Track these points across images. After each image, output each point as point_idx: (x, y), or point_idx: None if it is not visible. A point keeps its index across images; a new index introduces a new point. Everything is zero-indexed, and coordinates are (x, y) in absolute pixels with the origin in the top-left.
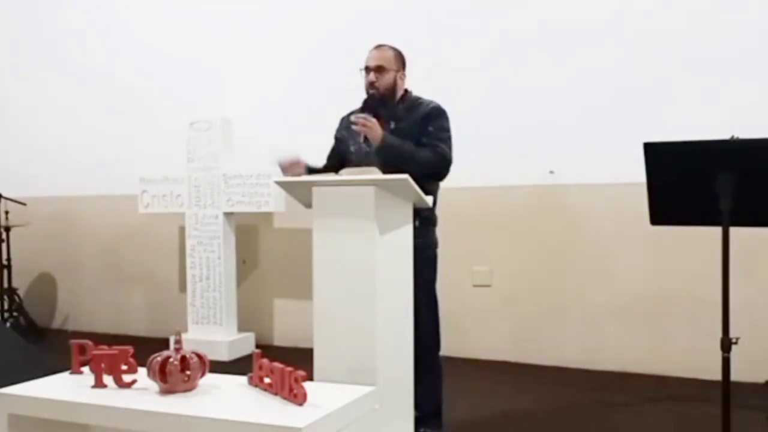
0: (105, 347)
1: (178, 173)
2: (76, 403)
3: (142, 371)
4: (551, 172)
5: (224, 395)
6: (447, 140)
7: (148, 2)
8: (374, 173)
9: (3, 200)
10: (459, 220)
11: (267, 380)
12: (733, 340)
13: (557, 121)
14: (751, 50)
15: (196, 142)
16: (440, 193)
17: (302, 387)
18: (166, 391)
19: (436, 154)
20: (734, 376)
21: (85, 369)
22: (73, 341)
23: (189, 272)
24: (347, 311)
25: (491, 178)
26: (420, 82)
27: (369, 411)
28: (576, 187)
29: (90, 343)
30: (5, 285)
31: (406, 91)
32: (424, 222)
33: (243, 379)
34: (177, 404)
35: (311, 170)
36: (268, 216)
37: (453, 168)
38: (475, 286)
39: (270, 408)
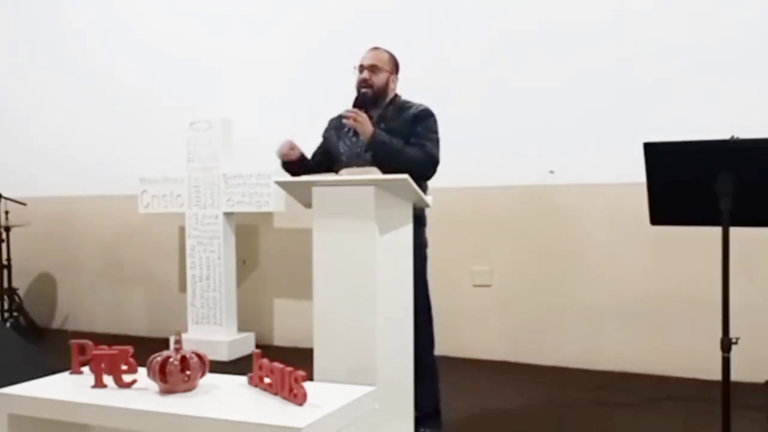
0: (105, 347)
1: (178, 173)
2: (76, 403)
3: (142, 371)
4: (551, 172)
5: (224, 395)
6: (434, 141)
7: (148, 2)
8: (374, 173)
9: (3, 200)
10: (459, 220)
11: (267, 380)
12: (733, 340)
13: (557, 121)
14: (751, 50)
15: (196, 142)
16: (441, 193)
17: (302, 387)
18: (166, 391)
19: (424, 153)
20: (734, 376)
21: (85, 369)
22: (73, 341)
23: (189, 272)
24: (347, 311)
25: (491, 178)
26: (420, 82)
27: (369, 411)
28: (576, 187)
29: (90, 343)
30: (5, 285)
31: (395, 94)
32: (414, 222)
33: (243, 379)
34: (177, 404)
35: (304, 158)
36: (268, 216)
37: (453, 168)
38: (475, 286)
39: (270, 408)
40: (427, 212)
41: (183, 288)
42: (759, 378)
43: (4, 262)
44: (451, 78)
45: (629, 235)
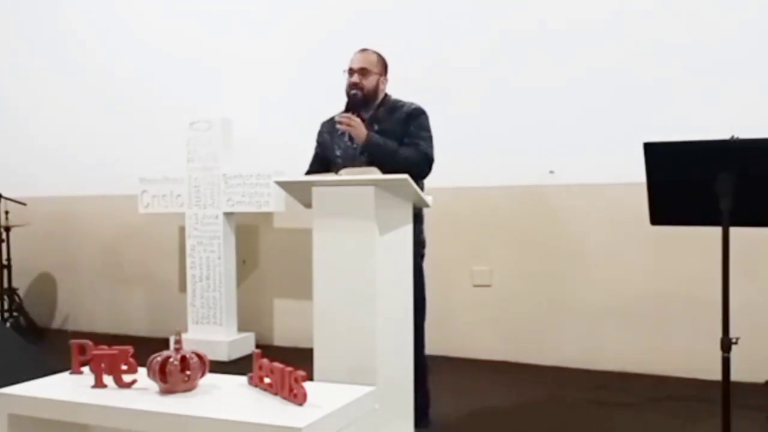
0: (105, 347)
1: (178, 173)
2: (76, 403)
3: (142, 371)
4: (551, 172)
5: (224, 395)
6: (428, 139)
7: (148, 2)
8: (374, 173)
9: (3, 200)
10: (459, 220)
11: (267, 380)
12: (733, 340)
13: (557, 121)
14: (751, 50)
15: (196, 142)
16: (440, 193)
17: (302, 387)
18: (166, 391)
19: (419, 152)
20: (734, 376)
21: (85, 369)
22: (73, 341)
23: (189, 272)
24: (347, 311)
25: (491, 178)
26: (420, 82)
27: (369, 411)
28: (576, 187)
29: (90, 343)
30: (5, 285)
31: (386, 94)
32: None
33: (243, 379)
34: (177, 404)
35: None
36: (268, 216)
37: (453, 168)
38: (475, 286)
39: (270, 408)
40: (427, 212)
41: (183, 288)
42: (759, 378)
43: (4, 262)
44: (451, 78)
45: (629, 235)
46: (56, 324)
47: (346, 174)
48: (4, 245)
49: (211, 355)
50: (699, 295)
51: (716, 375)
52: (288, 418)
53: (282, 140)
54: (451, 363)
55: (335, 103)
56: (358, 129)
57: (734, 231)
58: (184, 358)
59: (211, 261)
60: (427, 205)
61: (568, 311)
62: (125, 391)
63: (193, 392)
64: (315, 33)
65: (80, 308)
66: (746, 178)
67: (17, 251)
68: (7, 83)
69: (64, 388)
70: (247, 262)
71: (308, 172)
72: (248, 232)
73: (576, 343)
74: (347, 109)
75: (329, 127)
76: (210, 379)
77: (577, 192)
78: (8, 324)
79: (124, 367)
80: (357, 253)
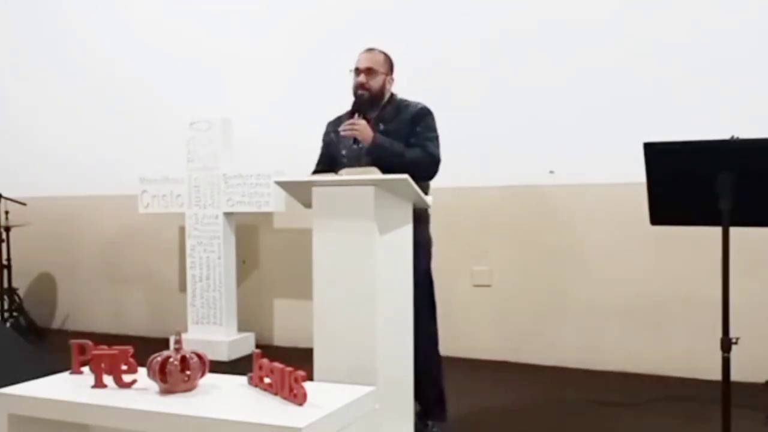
0: (105, 347)
1: (178, 173)
2: (76, 403)
3: (142, 371)
4: (551, 172)
5: (224, 395)
6: (435, 140)
7: (148, 2)
8: (374, 173)
9: (3, 200)
10: (459, 220)
11: (267, 380)
12: (733, 340)
13: (557, 121)
14: (751, 50)
15: (196, 142)
16: (441, 193)
17: (302, 387)
18: (166, 391)
19: (426, 153)
20: (734, 376)
21: (85, 369)
22: (73, 341)
23: (189, 272)
24: (347, 311)
25: (491, 178)
26: (420, 82)
27: (369, 411)
28: (576, 187)
29: (90, 343)
30: (5, 285)
31: (392, 94)
32: (418, 220)
33: (243, 379)
34: (177, 404)
35: None
36: (268, 216)
37: (453, 168)
38: (475, 286)
39: (270, 408)
40: (428, 212)
41: (183, 288)
42: (759, 378)
43: (4, 262)
44: (451, 78)
45: (629, 235)
46: (56, 324)
47: (346, 174)
48: (4, 245)
49: (211, 355)
50: (699, 295)
51: (716, 375)
52: (288, 418)
53: (282, 140)
54: (451, 363)
55: (335, 103)
56: (364, 132)
57: (734, 231)
58: (184, 358)
59: (211, 261)
60: (427, 206)
61: (568, 311)
62: (125, 391)
63: (193, 392)
64: (315, 33)
65: (80, 308)
66: (746, 178)
67: (17, 251)
68: (7, 83)
69: (64, 388)
70: (247, 262)
71: (315, 172)
72: (248, 232)
73: (576, 343)
74: (354, 110)
75: (335, 127)
76: (210, 379)
77: (577, 192)
78: (8, 324)
79: (124, 367)
80: (357, 253)
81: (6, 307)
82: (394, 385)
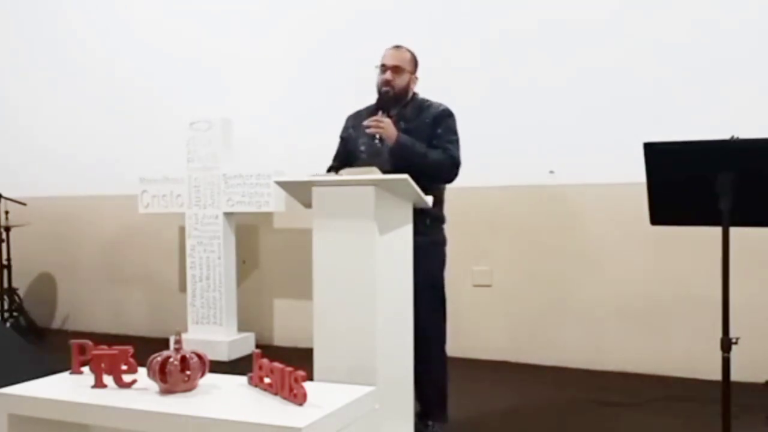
0: (105, 347)
1: (178, 173)
2: (76, 403)
3: (142, 371)
4: (551, 172)
5: (224, 395)
6: (456, 143)
7: (148, 2)
8: (374, 173)
9: (3, 200)
10: (459, 219)
11: (267, 380)
12: (733, 340)
13: (557, 121)
14: (751, 50)
15: (196, 142)
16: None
17: (302, 387)
18: (166, 391)
19: (447, 156)
20: (734, 376)
21: (85, 369)
22: (73, 341)
23: (189, 272)
24: (347, 311)
25: (491, 178)
26: (420, 82)
27: (369, 411)
28: (576, 187)
29: (90, 343)
30: (5, 285)
31: (414, 93)
32: (434, 220)
33: (243, 379)
34: (177, 404)
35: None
36: (268, 216)
37: None
38: (475, 285)
39: (270, 408)
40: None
41: (183, 288)
42: (759, 378)
43: (4, 262)
44: (451, 78)
45: (629, 235)
46: (56, 324)
47: (346, 174)
48: (4, 245)
49: (211, 355)
50: (699, 295)
51: (716, 375)
52: (288, 418)
53: (282, 140)
54: (451, 363)
55: (335, 103)
56: (389, 129)
57: (734, 231)
58: (184, 358)
59: (211, 261)
60: (427, 205)
61: (568, 311)
62: (125, 391)
63: (193, 392)
64: (315, 33)
65: (80, 308)
66: (746, 178)
67: (17, 251)
68: (7, 83)
69: (64, 388)
70: (247, 262)
71: (330, 168)
72: (248, 232)
73: (576, 343)
74: (378, 106)
75: (355, 122)
76: (210, 379)
77: (577, 192)
78: (8, 324)
79: (124, 367)
80: (357, 253)
81: (6, 307)
82: (394, 385)
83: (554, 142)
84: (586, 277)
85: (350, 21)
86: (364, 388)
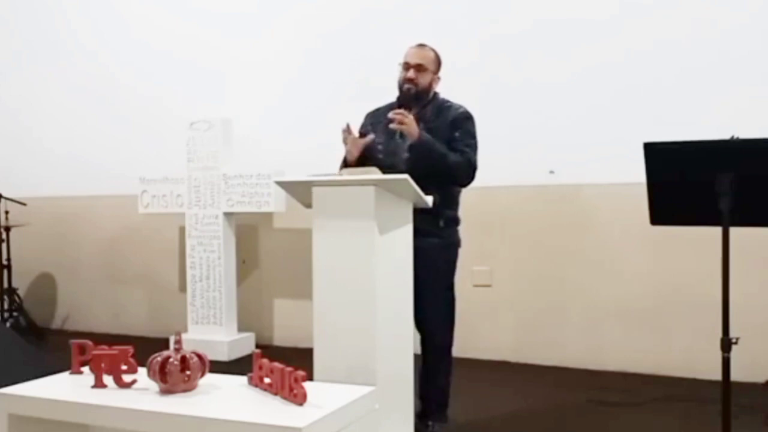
0: (105, 347)
1: (178, 173)
2: (76, 403)
3: (142, 371)
4: (551, 172)
5: (224, 395)
6: (474, 146)
7: (148, 2)
8: (374, 173)
9: (3, 200)
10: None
11: (267, 380)
12: (733, 340)
13: (557, 121)
14: (752, 50)
15: (196, 142)
16: None
17: (302, 387)
18: (166, 391)
19: (465, 159)
20: (734, 376)
21: (85, 369)
22: (73, 341)
23: (189, 272)
24: (347, 311)
25: (491, 178)
26: None
27: (369, 411)
28: (576, 187)
29: (90, 343)
30: (5, 285)
31: (435, 93)
32: (449, 222)
33: (243, 379)
34: (177, 404)
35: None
36: (268, 216)
37: None
38: (475, 286)
39: (270, 408)
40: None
41: (183, 288)
42: (759, 378)
43: (4, 262)
44: (450, 78)
45: (629, 234)
46: (56, 324)
47: (346, 174)
48: (4, 245)
49: (211, 355)
50: (699, 295)
51: (716, 375)
52: (288, 418)
53: (282, 140)
54: None
55: (335, 103)
56: (411, 127)
57: (734, 231)
58: (184, 358)
59: (211, 261)
60: (427, 205)
61: (568, 311)
62: (125, 391)
63: (193, 392)
64: (315, 33)
65: (80, 308)
66: (746, 178)
67: (17, 251)
68: (8, 83)
69: (64, 388)
70: (247, 262)
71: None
72: (248, 232)
73: (576, 343)
74: (399, 104)
75: (373, 119)
76: (210, 379)
77: (576, 192)
78: (8, 324)
79: (124, 367)
80: (357, 253)
81: (6, 307)
82: (394, 385)
83: (554, 142)
84: (587, 277)
85: (350, 21)
86: (364, 388)
